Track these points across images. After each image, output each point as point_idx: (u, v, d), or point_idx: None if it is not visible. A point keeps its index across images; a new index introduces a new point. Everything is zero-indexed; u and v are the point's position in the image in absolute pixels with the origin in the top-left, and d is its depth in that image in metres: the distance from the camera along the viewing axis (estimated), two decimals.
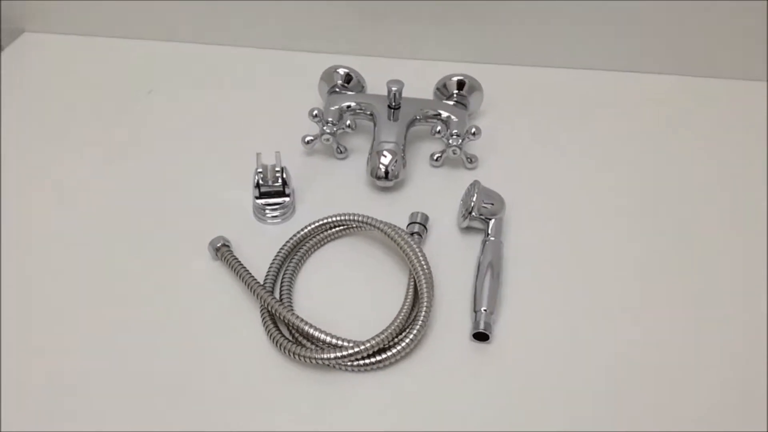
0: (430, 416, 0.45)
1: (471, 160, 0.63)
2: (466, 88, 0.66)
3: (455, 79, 0.66)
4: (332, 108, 0.64)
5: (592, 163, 0.64)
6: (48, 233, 0.57)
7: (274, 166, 0.57)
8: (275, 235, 0.55)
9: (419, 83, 0.66)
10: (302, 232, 0.54)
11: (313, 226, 0.54)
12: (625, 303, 0.52)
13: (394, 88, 0.62)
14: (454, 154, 0.61)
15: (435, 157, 0.63)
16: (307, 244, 0.54)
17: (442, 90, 0.66)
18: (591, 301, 0.52)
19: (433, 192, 0.61)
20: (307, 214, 0.58)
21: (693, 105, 0.70)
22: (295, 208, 0.59)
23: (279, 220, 0.58)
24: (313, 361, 0.46)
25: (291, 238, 0.54)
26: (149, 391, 0.47)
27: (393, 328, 0.47)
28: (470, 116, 0.68)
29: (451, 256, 0.55)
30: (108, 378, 0.47)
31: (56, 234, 0.57)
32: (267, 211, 0.58)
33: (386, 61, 0.76)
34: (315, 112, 0.61)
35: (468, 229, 0.57)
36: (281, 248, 0.53)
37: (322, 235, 0.55)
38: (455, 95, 0.66)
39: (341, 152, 0.64)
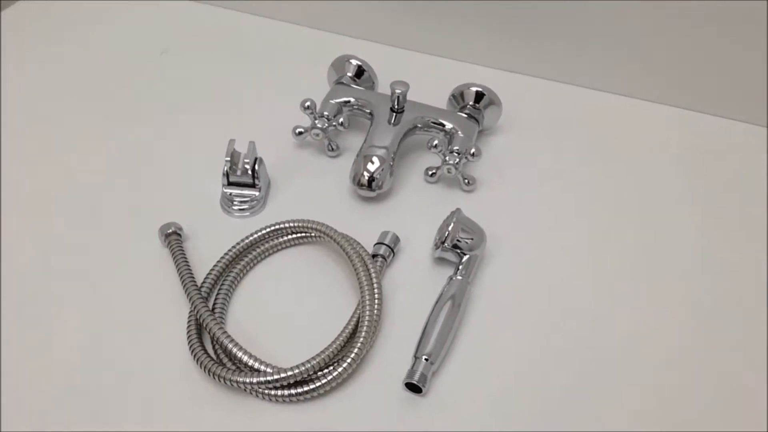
0: None
1: (468, 182, 0.56)
2: (482, 101, 0.59)
3: (473, 89, 0.60)
4: (332, 101, 0.59)
5: (607, 213, 0.55)
6: (23, 188, 0.56)
7: (244, 156, 0.53)
8: (238, 229, 0.51)
9: (448, 85, 0.60)
10: (251, 237, 0.50)
11: (266, 230, 0.50)
12: (589, 387, 0.45)
13: (398, 90, 0.57)
14: (449, 173, 0.56)
15: (430, 173, 0.57)
16: (258, 249, 0.50)
17: (457, 98, 0.60)
18: (554, 372, 0.45)
19: (420, 211, 0.55)
20: (277, 211, 0.55)
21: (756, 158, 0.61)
22: (266, 203, 0.55)
23: (247, 214, 0.54)
24: (229, 383, 0.42)
25: (239, 242, 0.50)
26: (53, 371, 0.44)
27: (319, 359, 0.43)
28: (484, 132, 0.62)
29: (415, 287, 0.50)
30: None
31: (26, 190, 0.55)
32: (234, 203, 0.54)
33: (417, 56, 0.70)
34: (307, 103, 0.57)
35: (442, 261, 0.51)
36: (228, 251, 0.49)
37: (276, 240, 0.51)
38: (469, 107, 0.60)
39: (332, 150, 0.59)
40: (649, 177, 0.59)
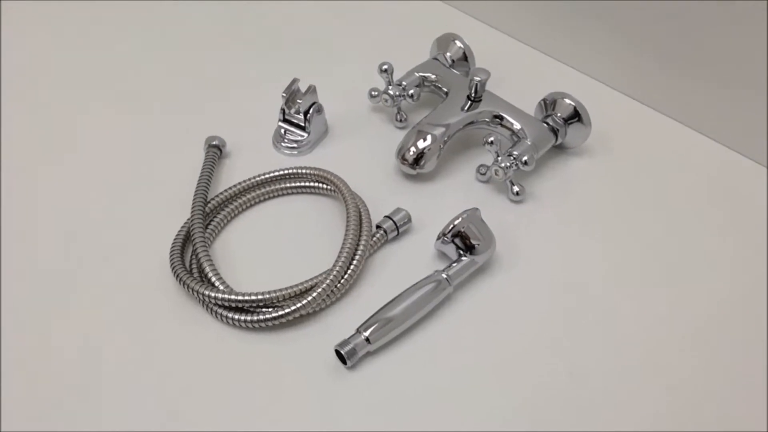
0: (252, 396, 0.42)
1: (517, 192, 0.53)
2: (569, 115, 0.55)
3: (565, 101, 0.55)
4: (415, 73, 0.58)
5: (655, 282, 0.48)
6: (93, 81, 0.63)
7: (299, 95, 0.54)
8: (277, 163, 0.53)
9: (551, 89, 0.56)
10: (271, 174, 0.51)
11: (286, 171, 0.51)
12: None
13: (477, 78, 0.54)
14: (496, 175, 0.52)
15: (482, 171, 0.54)
16: (273, 186, 0.52)
17: (547, 105, 0.56)
18: (494, 404, 0.42)
19: (455, 205, 0.51)
20: (320, 158, 0.56)
21: None
22: (314, 147, 0.56)
23: (295, 153, 0.56)
24: (185, 286, 0.45)
25: (260, 175, 0.51)
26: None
27: (264, 296, 0.44)
28: (567, 149, 0.57)
29: (405, 270, 0.48)
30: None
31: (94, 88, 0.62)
32: (285, 140, 0.56)
33: (530, 51, 0.65)
34: (384, 66, 0.57)
35: (443, 255, 0.49)
36: (247, 179, 0.51)
37: (295, 184, 0.52)
38: (554, 117, 0.55)
39: (400, 121, 0.58)
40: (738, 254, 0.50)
